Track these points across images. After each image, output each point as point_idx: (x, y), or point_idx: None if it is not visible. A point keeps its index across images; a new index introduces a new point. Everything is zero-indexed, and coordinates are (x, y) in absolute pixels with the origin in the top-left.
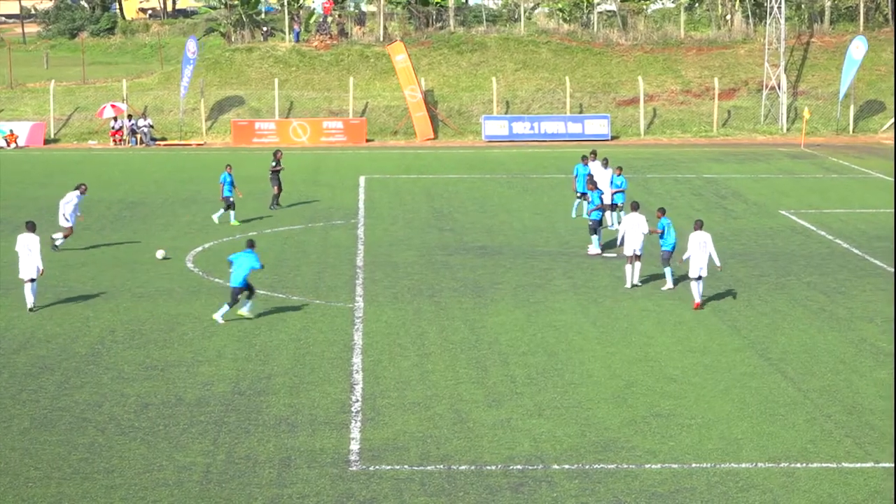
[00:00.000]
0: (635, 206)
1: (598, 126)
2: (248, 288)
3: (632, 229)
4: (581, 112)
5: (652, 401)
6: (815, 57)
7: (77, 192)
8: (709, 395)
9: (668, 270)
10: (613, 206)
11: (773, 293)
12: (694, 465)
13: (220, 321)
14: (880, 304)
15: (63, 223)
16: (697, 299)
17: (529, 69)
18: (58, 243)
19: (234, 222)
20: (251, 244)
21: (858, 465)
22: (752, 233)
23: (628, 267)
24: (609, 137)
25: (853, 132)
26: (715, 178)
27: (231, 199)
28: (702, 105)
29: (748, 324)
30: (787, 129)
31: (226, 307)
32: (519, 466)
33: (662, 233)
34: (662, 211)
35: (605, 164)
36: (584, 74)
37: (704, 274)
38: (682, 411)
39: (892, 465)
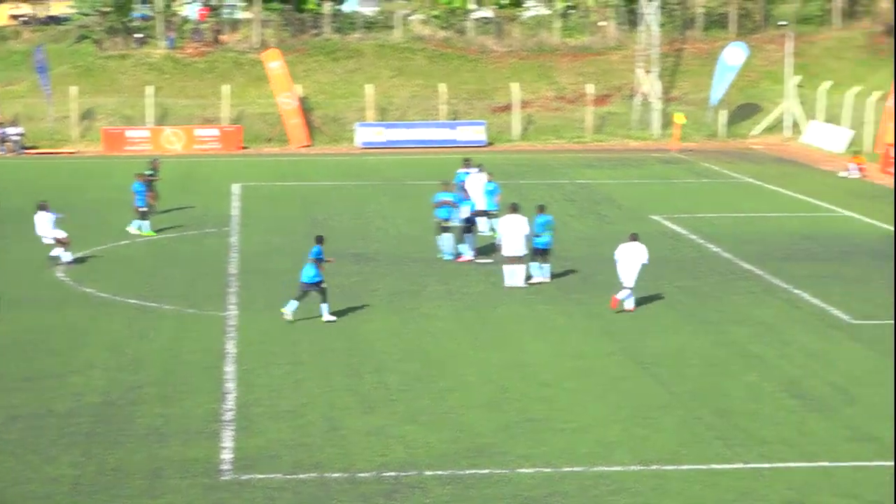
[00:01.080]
0: (514, 208)
1: (473, 132)
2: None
3: (510, 231)
4: (456, 118)
5: (525, 406)
6: (688, 63)
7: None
8: (582, 400)
9: (535, 265)
10: (487, 213)
11: (645, 297)
12: (566, 468)
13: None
14: (750, 307)
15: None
16: (616, 298)
17: (405, 76)
18: (65, 259)
19: (145, 232)
20: (319, 240)
21: (727, 466)
22: (624, 237)
23: (506, 267)
24: (484, 144)
25: (724, 137)
26: (588, 183)
27: (144, 209)
28: (576, 111)
29: (621, 328)
30: (660, 135)
31: (294, 303)
32: (392, 473)
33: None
34: (542, 208)
35: (480, 169)
36: (459, 81)
37: (630, 284)
38: (554, 416)
39: (758, 464)
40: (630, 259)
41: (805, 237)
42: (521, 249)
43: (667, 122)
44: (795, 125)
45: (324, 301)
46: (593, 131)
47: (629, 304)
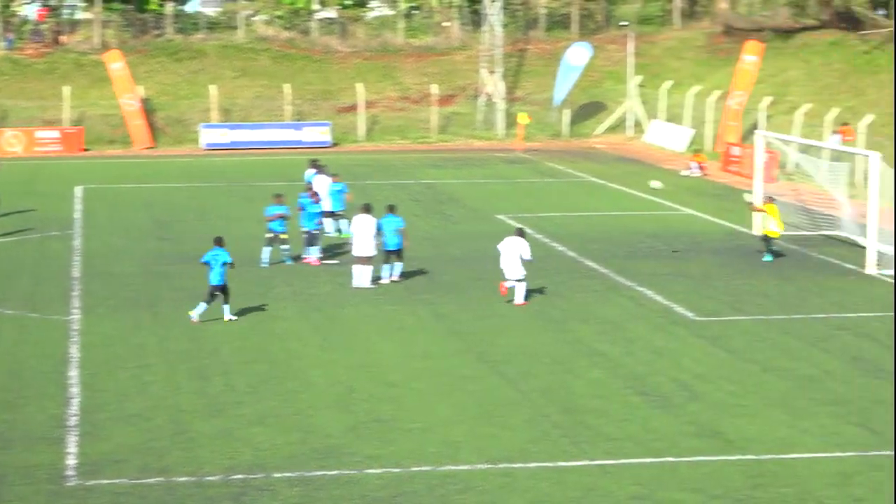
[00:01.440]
0: (366, 209)
1: (318, 133)
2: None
3: (360, 231)
4: (301, 119)
5: (373, 406)
6: (531, 63)
7: None
8: (429, 399)
9: (387, 266)
10: (333, 214)
11: (491, 297)
12: (414, 468)
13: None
14: (595, 305)
15: None
16: (503, 290)
17: (249, 77)
18: None
19: None
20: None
21: (574, 463)
22: (470, 237)
23: (356, 267)
24: (330, 144)
25: (567, 137)
26: (434, 183)
27: None
28: (420, 111)
29: (467, 327)
30: (504, 135)
31: (203, 305)
32: (240, 476)
33: (401, 231)
34: (391, 208)
35: (326, 171)
36: (303, 81)
37: (513, 276)
38: (402, 416)
39: (614, 460)
40: (511, 253)
41: (648, 235)
42: (370, 250)
43: (511, 122)
44: (638, 124)
45: (226, 302)
46: (438, 131)
47: (518, 299)
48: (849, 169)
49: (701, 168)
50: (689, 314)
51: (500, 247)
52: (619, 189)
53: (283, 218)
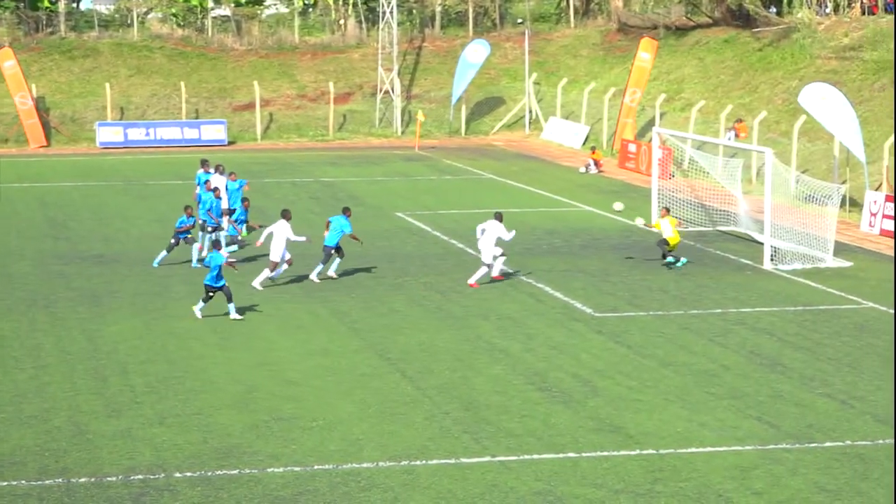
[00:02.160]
0: (284, 214)
1: (214, 131)
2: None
3: (277, 236)
4: (197, 117)
5: (274, 405)
6: (428, 61)
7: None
8: (330, 397)
9: (322, 265)
10: (231, 213)
11: (391, 294)
12: (316, 466)
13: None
14: (495, 301)
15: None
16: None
17: (144, 74)
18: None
19: None
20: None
21: (476, 459)
22: (369, 235)
23: (266, 271)
24: (226, 143)
25: (465, 134)
26: (332, 181)
27: None
28: (318, 109)
29: (367, 325)
30: (402, 133)
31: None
32: (140, 476)
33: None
34: (345, 210)
35: (220, 170)
36: (199, 80)
37: (487, 260)
38: (303, 414)
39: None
40: (489, 235)
41: (547, 232)
42: (278, 255)
43: (409, 120)
44: (535, 121)
45: (229, 301)
46: (336, 129)
47: (495, 272)
48: (743, 165)
49: (597, 165)
50: (588, 310)
51: (480, 228)
52: (516, 186)
53: (187, 231)
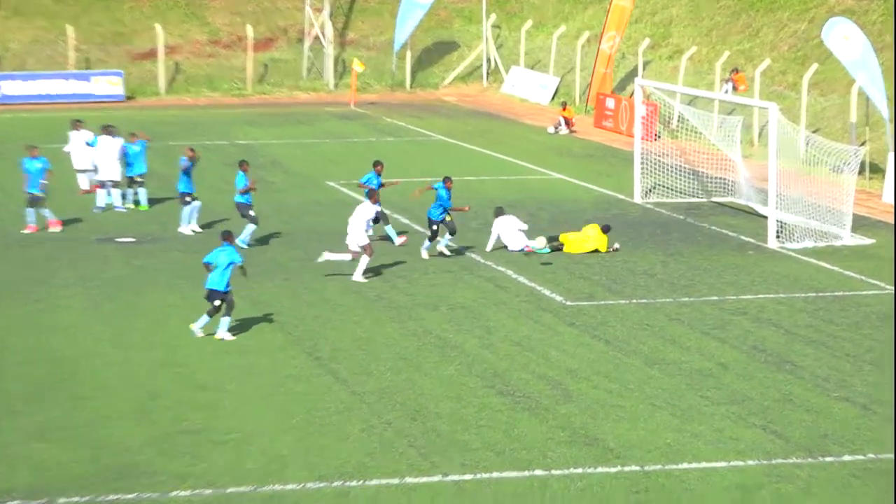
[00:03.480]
0: (371, 196)
1: (108, 84)
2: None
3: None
4: (88, 68)
5: (180, 414)
6: (366, 1)
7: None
8: (247, 405)
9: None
10: (131, 182)
11: (320, 280)
12: (231, 489)
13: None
14: (447, 288)
15: None
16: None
17: (23, 17)
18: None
19: None
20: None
21: (423, 479)
22: (296, 209)
23: (364, 259)
24: (123, 98)
25: (411, 88)
26: (251, 144)
27: None
28: (233, 58)
29: (293, 317)
30: (335, 86)
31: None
32: (17, 502)
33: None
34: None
35: (112, 131)
36: (91, 23)
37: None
38: (215, 425)
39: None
40: (510, 229)
41: (509, 204)
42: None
43: (343, 71)
44: (495, 72)
45: (227, 314)
46: (255, 82)
47: (537, 244)
48: (743, 124)
49: (569, 124)
50: (559, 298)
51: (496, 227)
52: (472, 149)
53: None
